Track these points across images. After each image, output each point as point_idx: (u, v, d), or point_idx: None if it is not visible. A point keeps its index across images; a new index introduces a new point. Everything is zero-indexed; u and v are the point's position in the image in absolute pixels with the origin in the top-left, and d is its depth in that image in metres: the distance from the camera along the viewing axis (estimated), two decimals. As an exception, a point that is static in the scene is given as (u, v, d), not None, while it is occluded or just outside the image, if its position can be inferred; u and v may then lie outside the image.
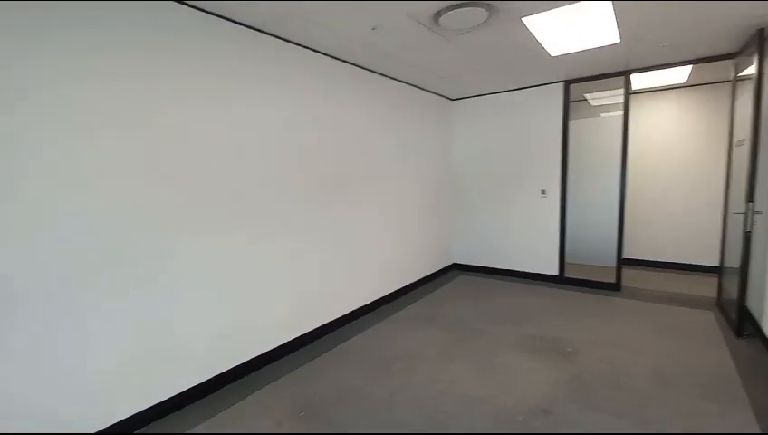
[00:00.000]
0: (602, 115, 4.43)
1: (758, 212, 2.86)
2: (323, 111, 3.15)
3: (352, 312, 3.53)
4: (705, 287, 4.20)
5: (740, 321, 2.96)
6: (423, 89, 4.44)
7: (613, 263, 4.19)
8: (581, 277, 4.38)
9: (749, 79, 2.97)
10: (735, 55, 3.35)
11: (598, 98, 4.89)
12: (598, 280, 4.28)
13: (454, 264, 5.30)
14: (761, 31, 2.73)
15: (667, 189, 4.96)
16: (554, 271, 4.53)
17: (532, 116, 4.52)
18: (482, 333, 3.19)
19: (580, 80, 4.16)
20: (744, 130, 3.19)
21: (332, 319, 3.31)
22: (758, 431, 1.92)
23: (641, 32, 2.88)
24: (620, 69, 3.89)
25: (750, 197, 2.85)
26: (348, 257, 3.46)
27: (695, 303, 3.75)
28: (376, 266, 3.82)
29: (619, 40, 3.03)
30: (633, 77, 4.08)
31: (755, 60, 2.77)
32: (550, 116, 4.39)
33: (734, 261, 3.25)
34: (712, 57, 3.51)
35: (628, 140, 4.00)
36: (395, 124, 4.00)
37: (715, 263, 4.72)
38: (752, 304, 2.99)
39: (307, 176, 3.01)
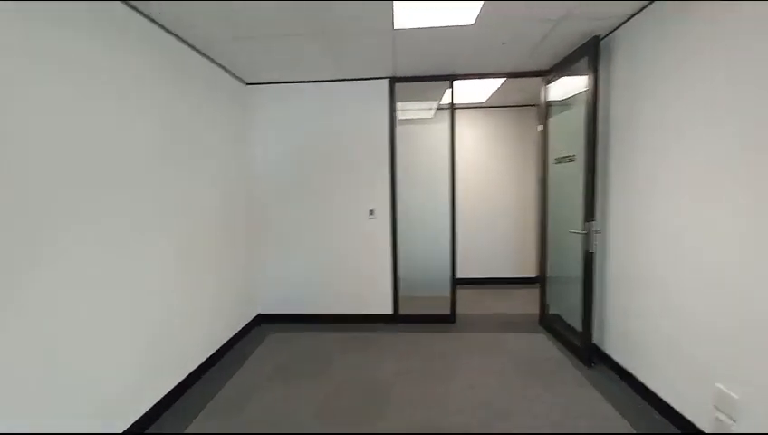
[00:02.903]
0: (428, 125, 3.96)
1: (597, 231, 2.73)
2: None
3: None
4: (528, 303, 4.27)
5: (587, 351, 2.77)
6: (205, 55, 2.80)
7: (447, 291, 3.69)
8: (417, 312, 3.69)
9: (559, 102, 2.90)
10: (547, 73, 3.35)
11: (406, 109, 4.47)
12: (433, 313, 3.69)
13: (259, 316, 3.75)
14: (595, 38, 2.60)
15: (476, 207, 4.99)
16: (388, 309, 3.68)
17: (355, 117, 3.58)
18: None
19: (407, 79, 3.51)
20: (563, 146, 3.16)
21: None
22: None
23: (492, 20, 2.32)
24: (447, 72, 3.43)
25: (590, 216, 2.69)
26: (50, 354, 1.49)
27: (525, 325, 3.60)
28: (128, 354, 1.92)
29: (473, 21, 2.39)
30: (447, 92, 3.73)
31: (590, 71, 2.62)
32: (375, 119, 3.56)
33: (557, 276, 3.19)
34: (525, 72, 3.44)
35: (455, 153, 3.59)
36: (150, 104, 2.21)
37: (531, 274, 5.06)
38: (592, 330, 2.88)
39: None
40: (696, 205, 1.89)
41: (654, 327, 2.22)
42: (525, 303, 4.27)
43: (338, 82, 3.55)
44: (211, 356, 2.85)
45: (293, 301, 3.73)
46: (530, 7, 2.25)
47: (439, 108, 4.69)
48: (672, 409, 2.06)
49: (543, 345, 3.14)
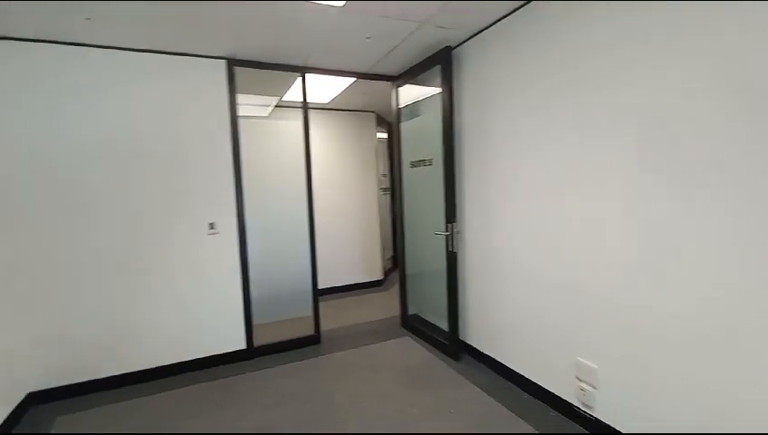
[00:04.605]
0: (279, 121, 3.41)
1: (457, 232, 2.87)
2: None
3: None
4: (384, 306, 4.23)
5: (455, 347, 2.88)
6: None
7: (309, 309, 3.29)
8: (277, 339, 3.14)
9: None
10: (398, 78, 3.38)
11: (246, 104, 3.82)
12: (296, 336, 3.22)
13: (30, 396, 2.43)
14: (448, 48, 2.71)
15: (325, 212, 4.69)
16: (240, 343, 3.00)
17: (180, 106, 2.75)
18: None
19: (251, 64, 2.93)
20: (418, 150, 3.24)
21: None
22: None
23: (362, 7, 2.11)
24: (299, 63, 3.04)
25: (451, 217, 2.80)
26: None
27: (389, 330, 3.54)
28: None
29: (343, 3, 2.10)
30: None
31: (445, 80, 2.72)
32: (209, 110, 2.83)
33: (417, 277, 3.28)
34: (378, 75, 3.39)
35: (310, 155, 3.23)
36: None
37: (378, 277, 5.10)
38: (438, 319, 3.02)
39: None
40: (541, 204, 2.15)
41: (512, 314, 2.45)
42: (382, 307, 4.27)
43: (147, 54, 2.64)
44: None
45: (89, 363, 2.58)
46: (402, 6, 2.14)
47: (279, 105, 4.21)
48: (539, 386, 2.30)
49: (412, 348, 3.14)
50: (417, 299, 3.55)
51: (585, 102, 1.90)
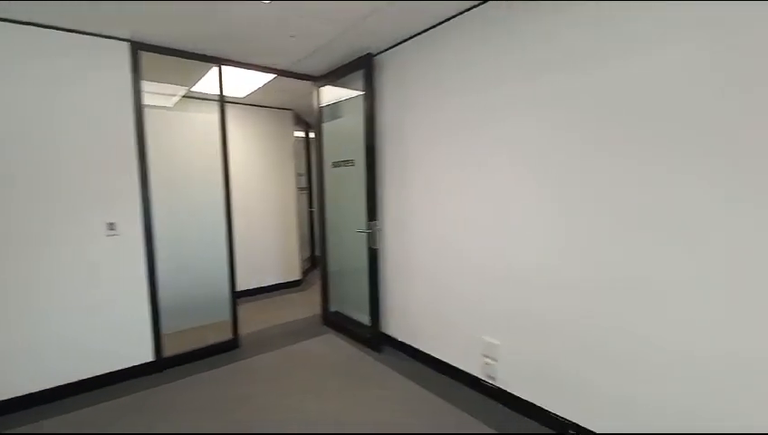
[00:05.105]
0: (195, 113, 3.15)
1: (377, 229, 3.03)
2: None
3: None
4: (304, 306, 4.19)
5: (377, 339, 3.04)
6: None
7: (227, 313, 3.14)
8: (191, 348, 2.93)
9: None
10: (320, 78, 3.41)
11: (148, 92, 3.47)
12: (212, 343, 3.04)
13: None
14: (369, 54, 2.84)
15: (242, 212, 4.46)
16: (147, 355, 2.73)
17: (70, 92, 2.41)
18: None
19: (160, 49, 2.70)
20: (340, 151, 3.32)
21: None
22: None
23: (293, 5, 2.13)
24: (215, 53, 2.89)
25: (372, 216, 2.95)
26: None
27: (311, 328, 3.56)
28: None
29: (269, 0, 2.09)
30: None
31: (367, 84, 2.86)
32: (108, 98, 2.53)
33: (338, 274, 3.37)
34: (300, 74, 3.39)
35: (228, 151, 3.08)
36: None
37: (296, 277, 5.05)
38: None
39: None
40: (452, 201, 2.43)
41: (428, 303, 2.70)
42: (302, 306, 4.25)
43: (33, 29, 2.27)
44: None
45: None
46: (329, 10, 2.21)
47: (187, 96, 3.90)
48: (453, 366, 2.57)
49: (335, 345, 3.21)
50: (338, 296, 3.63)
51: (480, 130, 2.26)
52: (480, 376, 2.38)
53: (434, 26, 2.48)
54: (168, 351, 2.81)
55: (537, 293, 2.04)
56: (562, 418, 1.96)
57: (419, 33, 2.58)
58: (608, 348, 1.77)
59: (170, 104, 3.99)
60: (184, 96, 3.89)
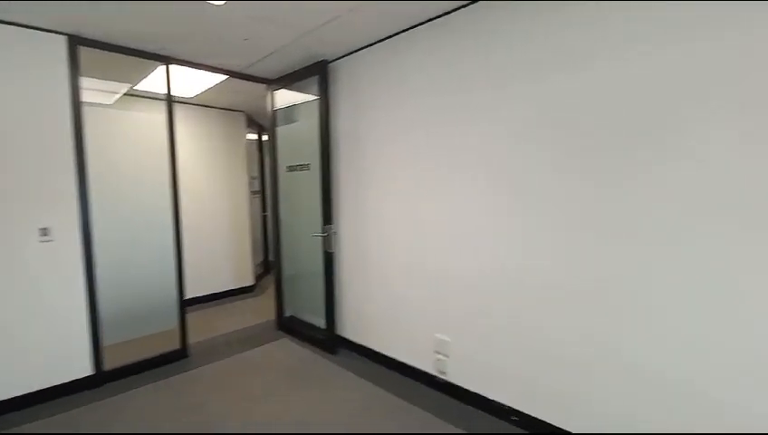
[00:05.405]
0: (140, 113, 2.98)
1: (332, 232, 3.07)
2: None
3: None
4: (258, 311, 4.10)
5: (332, 342, 3.07)
6: None
7: (174, 321, 3.01)
8: (135, 359, 2.78)
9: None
10: (274, 82, 3.39)
11: (86, 88, 3.26)
12: (158, 353, 2.91)
13: None
14: (324, 61, 2.89)
15: (191, 216, 4.27)
16: (86, 369, 2.55)
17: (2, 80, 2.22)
18: None
19: (101, 45, 2.55)
20: (295, 155, 3.32)
21: None
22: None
23: (243, 11, 2.13)
24: (161, 51, 2.78)
25: (328, 219, 2.98)
26: None
27: (265, 334, 3.50)
28: None
29: (222, 2, 2.07)
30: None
31: (322, 90, 2.89)
32: (40, 94, 2.36)
33: (293, 279, 3.36)
34: (253, 77, 3.35)
35: (176, 152, 2.97)
36: None
37: (249, 283, 4.93)
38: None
39: None
40: (407, 204, 2.54)
41: (383, 304, 2.78)
42: (255, 312, 4.16)
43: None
44: None
45: None
46: (284, 15, 2.23)
47: (129, 94, 3.70)
48: (406, 364, 2.66)
49: (289, 349, 3.19)
50: (293, 300, 3.61)
51: (434, 137, 2.38)
52: (432, 372, 2.50)
53: (392, 35, 2.56)
54: (110, 363, 2.65)
55: (486, 294, 2.19)
56: (508, 406, 2.12)
57: (377, 42, 2.67)
58: (548, 344, 1.95)
59: (110, 101, 3.78)
60: (129, 94, 3.70)
